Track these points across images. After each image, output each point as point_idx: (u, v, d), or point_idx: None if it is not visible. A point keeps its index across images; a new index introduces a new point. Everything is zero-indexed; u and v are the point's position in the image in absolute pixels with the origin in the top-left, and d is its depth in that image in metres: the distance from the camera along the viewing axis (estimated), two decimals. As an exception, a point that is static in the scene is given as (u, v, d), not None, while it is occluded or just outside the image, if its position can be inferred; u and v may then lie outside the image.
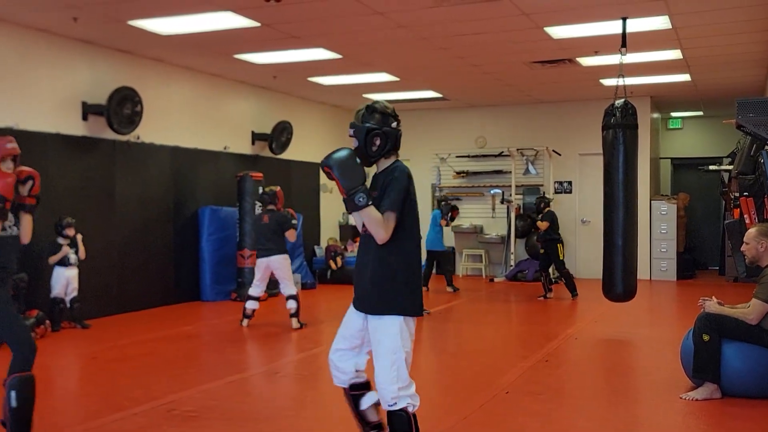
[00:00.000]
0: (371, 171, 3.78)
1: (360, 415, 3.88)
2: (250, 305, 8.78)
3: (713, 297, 5.76)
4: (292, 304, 8.66)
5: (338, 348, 3.86)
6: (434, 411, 5.36)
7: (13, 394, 4.13)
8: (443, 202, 12.77)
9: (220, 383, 6.11)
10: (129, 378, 6.30)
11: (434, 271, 12.57)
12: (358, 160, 3.63)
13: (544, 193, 13.89)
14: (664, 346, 7.59)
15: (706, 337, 5.49)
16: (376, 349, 3.67)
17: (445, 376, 6.78)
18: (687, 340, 5.79)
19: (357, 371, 3.85)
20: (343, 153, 3.61)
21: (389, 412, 3.66)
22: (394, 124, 3.73)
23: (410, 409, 3.63)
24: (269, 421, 5.05)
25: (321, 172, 14.19)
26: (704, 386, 5.53)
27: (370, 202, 3.55)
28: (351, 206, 3.56)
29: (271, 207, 8.84)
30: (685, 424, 5.06)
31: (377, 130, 3.68)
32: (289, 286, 8.71)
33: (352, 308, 3.84)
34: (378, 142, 3.68)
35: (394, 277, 3.66)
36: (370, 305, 3.71)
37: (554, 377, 6.43)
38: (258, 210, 10.56)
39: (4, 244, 4.39)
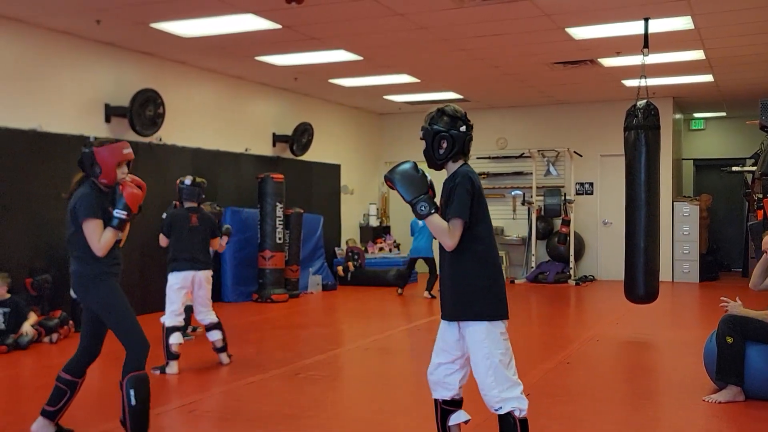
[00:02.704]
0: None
1: (445, 430, 3.84)
2: (176, 339, 6.54)
3: (737, 298, 5.71)
4: (218, 335, 6.80)
5: (440, 362, 3.77)
6: (455, 412, 5.36)
7: (131, 392, 4.22)
8: None
9: (240, 384, 6.13)
10: (149, 378, 6.32)
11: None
12: (419, 171, 3.66)
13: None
14: (687, 348, 7.54)
15: (729, 339, 5.44)
16: (472, 359, 3.65)
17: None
18: (710, 343, 5.75)
19: (460, 387, 3.79)
20: (404, 165, 3.68)
21: (498, 416, 3.62)
22: (462, 128, 3.70)
23: (516, 414, 3.56)
24: (290, 422, 5.06)
25: (341, 174, 14.18)
26: (727, 389, 5.48)
27: (432, 211, 3.58)
28: (416, 215, 3.61)
29: (192, 204, 6.94)
30: (708, 427, 5.02)
31: (444, 133, 3.68)
32: (211, 311, 6.86)
33: (443, 320, 3.81)
34: (445, 145, 3.68)
35: (469, 282, 3.63)
36: (451, 311, 3.70)
37: (575, 379, 6.40)
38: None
39: (117, 245, 4.47)
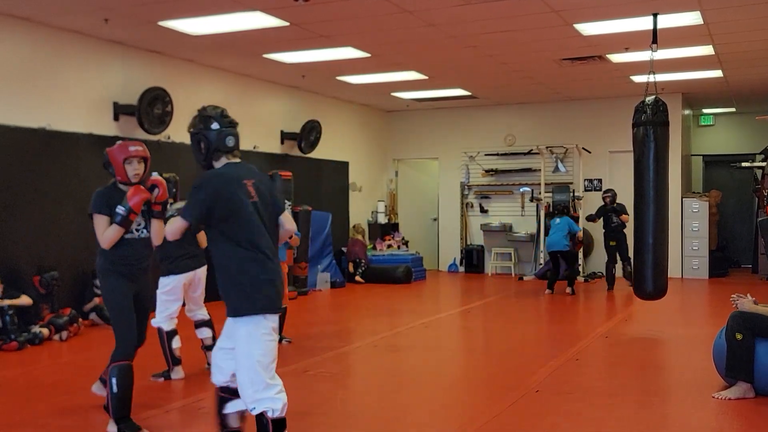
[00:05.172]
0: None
1: (222, 418, 3.89)
2: (178, 343, 6.24)
3: (748, 294, 5.69)
4: (207, 333, 6.52)
5: (222, 347, 3.84)
6: (464, 410, 5.36)
7: (113, 380, 4.52)
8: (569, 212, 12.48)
9: (250, 381, 6.13)
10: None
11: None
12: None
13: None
14: (696, 344, 7.52)
15: (739, 336, 5.43)
16: (236, 354, 3.71)
17: (475, 374, 6.77)
18: (719, 339, 5.73)
19: (233, 375, 3.80)
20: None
21: (255, 416, 3.70)
22: (214, 126, 3.83)
23: (269, 414, 3.64)
24: (300, 419, 5.06)
25: (349, 171, 14.10)
26: (737, 385, 5.47)
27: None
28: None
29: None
30: (718, 424, 5.01)
31: (197, 134, 3.83)
32: (203, 307, 6.60)
33: None
34: (202, 145, 3.82)
35: (223, 279, 3.74)
36: (226, 307, 3.79)
37: (584, 376, 6.39)
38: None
39: (133, 243, 4.70)
